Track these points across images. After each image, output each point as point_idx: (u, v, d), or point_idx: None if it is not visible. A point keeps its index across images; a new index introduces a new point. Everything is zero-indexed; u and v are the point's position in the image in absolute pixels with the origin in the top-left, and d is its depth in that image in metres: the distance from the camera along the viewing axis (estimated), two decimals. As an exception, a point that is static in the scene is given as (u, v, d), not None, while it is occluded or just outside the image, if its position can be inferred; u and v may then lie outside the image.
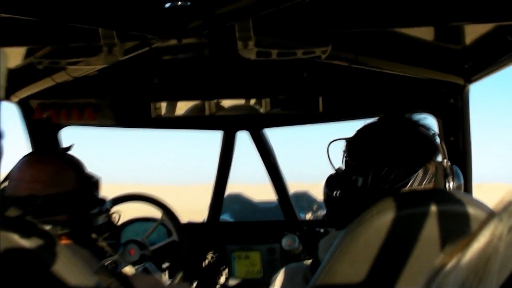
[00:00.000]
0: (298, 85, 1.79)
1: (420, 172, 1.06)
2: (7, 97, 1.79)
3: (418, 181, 1.06)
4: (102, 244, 2.06)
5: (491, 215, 0.43)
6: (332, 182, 1.16)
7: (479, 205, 0.93)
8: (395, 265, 0.92)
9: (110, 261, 2.08)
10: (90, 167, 1.30)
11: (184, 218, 2.24)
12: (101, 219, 1.26)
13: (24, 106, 1.89)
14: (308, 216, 2.61)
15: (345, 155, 1.16)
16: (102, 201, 1.27)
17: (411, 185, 1.05)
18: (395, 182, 1.05)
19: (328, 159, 1.19)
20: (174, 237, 2.15)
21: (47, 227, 1.09)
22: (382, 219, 0.92)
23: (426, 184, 1.07)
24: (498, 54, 1.38)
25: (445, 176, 1.10)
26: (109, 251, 2.08)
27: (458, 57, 1.53)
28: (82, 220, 1.20)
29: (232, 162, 2.28)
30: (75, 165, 1.24)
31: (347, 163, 1.15)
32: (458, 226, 0.91)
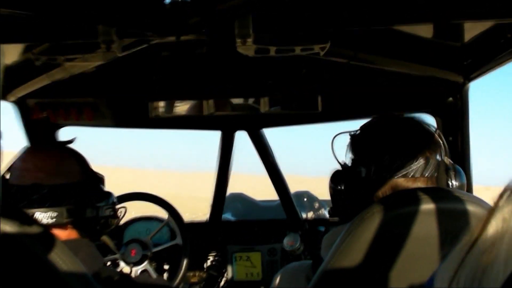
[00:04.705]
0: (297, 84, 1.79)
1: (422, 161, 1.07)
2: (4, 97, 1.78)
3: (420, 171, 1.06)
4: (106, 239, 2.05)
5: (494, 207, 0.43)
6: (337, 177, 1.18)
7: (480, 203, 0.93)
8: (397, 263, 0.92)
9: (110, 260, 2.07)
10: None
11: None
12: (107, 212, 1.25)
13: (21, 106, 1.88)
14: (310, 214, 2.61)
15: (349, 149, 1.18)
16: (109, 194, 1.26)
17: (413, 175, 1.06)
18: (397, 170, 1.06)
19: (332, 154, 1.21)
20: (178, 240, 2.14)
21: (53, 214, 1.10)
22: (383, 217, 0.91)
23: (427, 175, 1.07)
24: (497, 52, 1.38)
25: (447, 171, 1.10)
26: (113, 247, 2.07)
27: (457, 55, 1.53)
28: (88, 211, 1.19)
29: (231, 162, 2.28)
30: (79, 157, 1.23)
31: (351, 157, 1.17)
32: (459, 224, 0.90)
